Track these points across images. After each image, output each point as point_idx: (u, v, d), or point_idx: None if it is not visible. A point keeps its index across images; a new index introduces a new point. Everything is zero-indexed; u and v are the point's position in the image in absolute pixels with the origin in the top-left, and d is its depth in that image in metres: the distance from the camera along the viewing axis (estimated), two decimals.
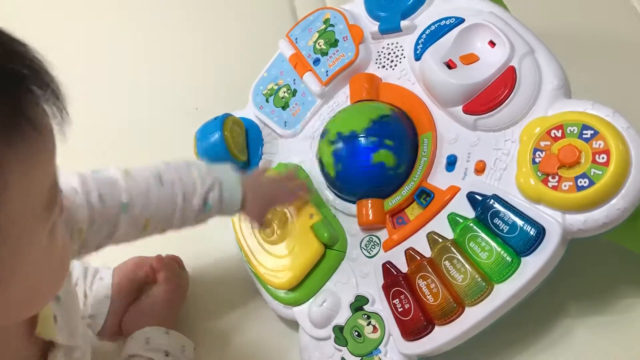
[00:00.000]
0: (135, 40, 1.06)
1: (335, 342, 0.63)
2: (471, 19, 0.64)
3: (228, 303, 0.74)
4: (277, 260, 0.67)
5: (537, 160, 0.56)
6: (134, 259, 0.73)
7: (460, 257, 0.57)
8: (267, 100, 0.78)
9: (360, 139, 0.63)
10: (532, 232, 0.54)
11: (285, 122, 0.76)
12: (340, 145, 0.64)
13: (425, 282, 0.59)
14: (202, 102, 0.96)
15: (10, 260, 0.35)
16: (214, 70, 1.00)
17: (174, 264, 0.72)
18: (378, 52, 0.72)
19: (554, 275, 0.56)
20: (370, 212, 0.64)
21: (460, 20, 0.64)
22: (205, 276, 0.77)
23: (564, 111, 0.57)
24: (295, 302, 0.67)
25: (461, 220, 0.59)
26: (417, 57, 0.66)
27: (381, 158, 0.62)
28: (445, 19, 0.65)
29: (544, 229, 0.54)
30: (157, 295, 0.70)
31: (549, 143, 0.56)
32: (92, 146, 0.95)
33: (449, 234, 0.59)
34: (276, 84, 0.78)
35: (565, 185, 0.54)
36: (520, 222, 0.55)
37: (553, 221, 0.54)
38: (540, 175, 0.55)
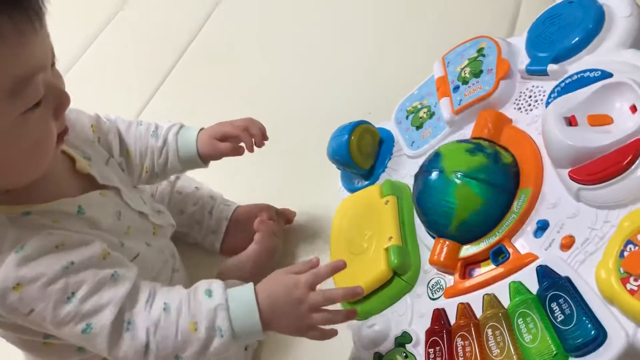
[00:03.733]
0: (329, 36, 1.12)
1: None
2: (619, 76, 0.55)
3: None
4: (349, 269, 0.67)
5: (625, 253, 0.47)
6: (256, 205, 0.84)
7: (504, 330, 0.51)
8: (406, 117, 0.78)
9: (443, 173, 0.60)
10: (589, 333, 0.46)
11: (414, 141, 0.75)
12: (429, 175, 0.62)
13: (463, 342, 0.54)
14: (379, 106, 0.99)
15: None
16: (399, 77, 1.01)
17: (270, 229, 0.78)
18: (521, 92, 0.66)
19: None
20: (443, 253, 0.60)
21: (607, 75, 0.56)
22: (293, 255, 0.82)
23: None
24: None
25: (522, 293, 0.52)
26: (547, 106, 0.59)
27: (459, 199, 0.59)
28: (592, 70, 0.57)
29: (605, 335, 0.46)
30: (249, 254, 0.78)
31: None
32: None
33: (507, 302, 0.53)
34: (421, 103, 0.77)
35: None
36: (579, 317, 0.47)
37: (620, 330, 0.45)
38: (622, 272, 0.46)
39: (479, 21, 1.05)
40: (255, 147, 0.73)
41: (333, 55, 1.09)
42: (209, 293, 0.54)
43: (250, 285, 0.55)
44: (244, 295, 0.54)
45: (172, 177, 0.84)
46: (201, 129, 0.73)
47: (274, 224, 0.81)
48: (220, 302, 0.53)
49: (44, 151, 0.51)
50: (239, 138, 0.72)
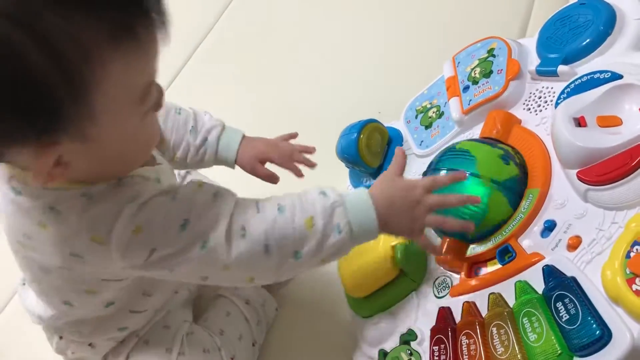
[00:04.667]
0: (340, 35, 1.13)
1: None
2: (629, 78, 0.55)
3: (319, 281, 0.78)
4: (355, 264, 0.68)
5: (631, 254, 0.47)
6: None
7: (509, 330, 0.51)
8: (416, 117, 0.78)
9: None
10: (594, 333, 0.46)
11: (422, 141, 0.75)
12: (437, 174, 0.62)
13: (467, 341, 0.54)
14: (387, 107, 0.99)
15: (106, 127, 0.48)
16: (410, 77, 1.01)
17: None
18: (531, 93, 0.66)
19: None
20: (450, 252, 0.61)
21: (616, 77, 0.56)
22: None
23: None
24: (360, 313, 0.68)
25: (528, 292, 0.52)
26: (556, 107, 0.59)
27: None
28: (601, 72, 0.57)
29: (610, 335, 0.46)
30: None
31: None
32: (274, 122, 1.06)
33: (512, 301, 0.53)
34: (430, 103, 0.78)
35: None
36: (584, 317, 0.47)
37: (626, 331, 0.45)
38: (628, 273, 0.46)
39: (491, 22, 1.05)
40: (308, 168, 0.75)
41: (344, 54, 1.09)
42: (323, 193, 0.55)
43: (363, 188, 0.57)
44: (359, 196, 0.56)
45: (183, 172, 0.85)
46: (243, 137, 0.74)
47: None
48: (336, 199, 0.54)
49: (153, 143, 0.57)
50: (283, 167, 0.74)
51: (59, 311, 0.63)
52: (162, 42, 0.49)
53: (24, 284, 0.69)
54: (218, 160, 0.74)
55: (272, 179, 0.74)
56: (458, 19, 1.08)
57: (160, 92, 0.53)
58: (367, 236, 0.56)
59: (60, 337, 0.68)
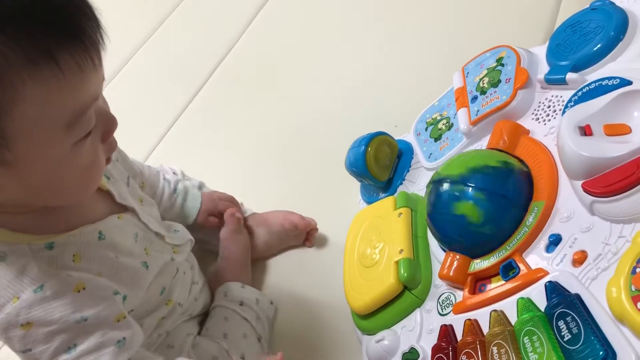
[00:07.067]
0: (358, 48, 1.12)
1: None
2: (639, 84, 0.52)
3: (320, 285, 0.77)
4: (360, 281, 0.66)
5: (637, 270, 0.44)
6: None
7: (510, 349, 0.49)
8: (426, 129, 0.76)
9: (449, 184, 0.58)
10: (597, 353, 0.43)
11: (431, 153, 0.73)
12: (436, 185, 0.60)
13: None
14: (405, 119, 0.97)
15: (26, 152, 0.46)
16: (429, 90, 1.00)
17: (235, 222, 0.80)
18: (540, 102, 0.63)
19: None
20: (453, 267, 0.58)
21: (626, 83, 0.53)
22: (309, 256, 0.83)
23: None
24: (364, 330, 0.66)
25: (530, 310, 0.49)
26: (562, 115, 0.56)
27: (464, 210, 0.56)
28: (610, 78, 0.54)
29: (614, 356, 0.43)
30: (225, 256, 0.80)
31: None
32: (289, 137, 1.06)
33: (515, 319, 0.51)
34: (440, 115, 0.76)
35: None
36: (587, 336, 0.44)
37: (631, 352, 0.42)
38: (633, 290, 0.43)
39: (513, 33, 1.03)
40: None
41: (362, 68, 1.08)
42: None
43: None
44: None
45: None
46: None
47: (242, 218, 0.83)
48: None
49: (94, 175, 0.53)
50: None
51: None
52: (95, 69, 0.46)
53: None
54: (184, 207, 0.79)
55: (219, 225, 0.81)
56: (481, 30, 1.06)
57: (105, 120, 0.50)
58: None
59: None
